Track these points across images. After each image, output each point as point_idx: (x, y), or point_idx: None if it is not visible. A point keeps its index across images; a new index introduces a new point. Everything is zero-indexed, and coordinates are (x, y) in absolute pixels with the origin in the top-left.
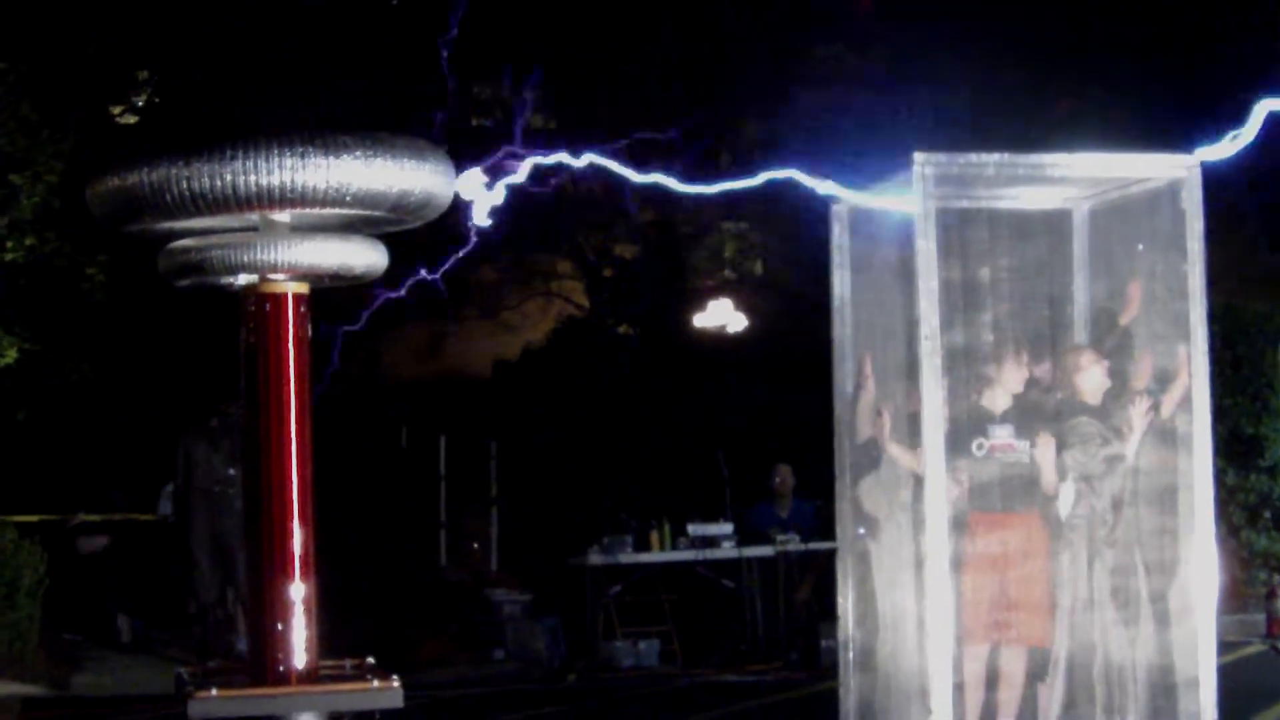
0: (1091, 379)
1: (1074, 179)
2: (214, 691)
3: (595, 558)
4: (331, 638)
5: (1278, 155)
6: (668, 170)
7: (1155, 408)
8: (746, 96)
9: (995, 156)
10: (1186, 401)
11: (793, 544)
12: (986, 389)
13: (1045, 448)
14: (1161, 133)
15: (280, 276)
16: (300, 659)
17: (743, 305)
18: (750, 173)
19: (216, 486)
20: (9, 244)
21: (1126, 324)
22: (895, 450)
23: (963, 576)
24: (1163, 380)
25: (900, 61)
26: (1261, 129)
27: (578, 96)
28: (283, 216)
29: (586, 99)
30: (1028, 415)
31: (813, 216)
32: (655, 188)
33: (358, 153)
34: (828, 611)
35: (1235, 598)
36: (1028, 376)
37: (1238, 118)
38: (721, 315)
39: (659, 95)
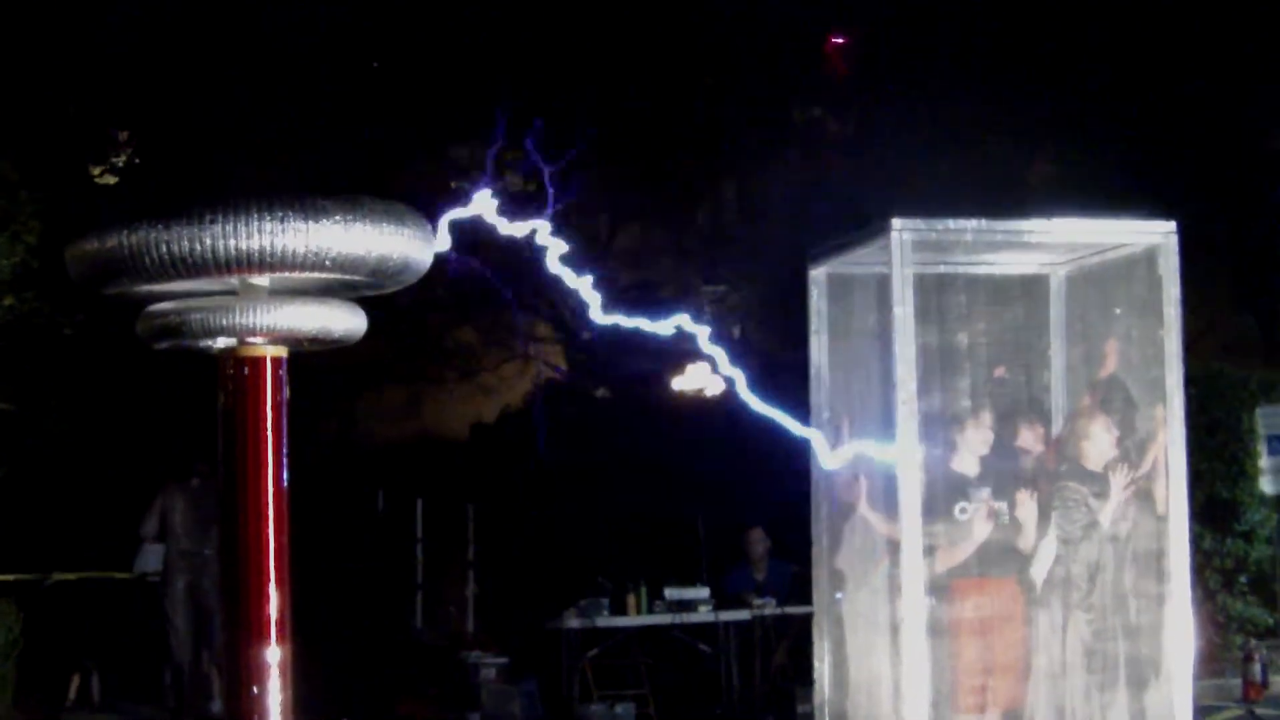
0: (1099, 445)
1: (1051, 244)
2: None
3: (572, 621)
4: (307, 700)
5: (1252, 220)
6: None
7: (1135, 481)
8: (724, 159)
9: (973, 222)
10: (1163, 466)
11: (769, 608)
12: (954, 454)
13: (1024, 505)
14: (1138, 199)
15: (258, 340)
16: None
17: (721, 369)
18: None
19: (196, 547)
20: None
21: (1106, 375)
22: (872, 517)
23: (945, 643)
24: (1139, 443)
25: (877, 125)
26: (1225, 200)
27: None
28: (261, 280)
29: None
30: (1004, 478)
31: (790, 280)
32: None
33: (337, 217)
34: (804, 676)
35: (1212, 662)
36: (991, 439)
37: (1214, 184)
38: (699, 378)
39: (637, 156)
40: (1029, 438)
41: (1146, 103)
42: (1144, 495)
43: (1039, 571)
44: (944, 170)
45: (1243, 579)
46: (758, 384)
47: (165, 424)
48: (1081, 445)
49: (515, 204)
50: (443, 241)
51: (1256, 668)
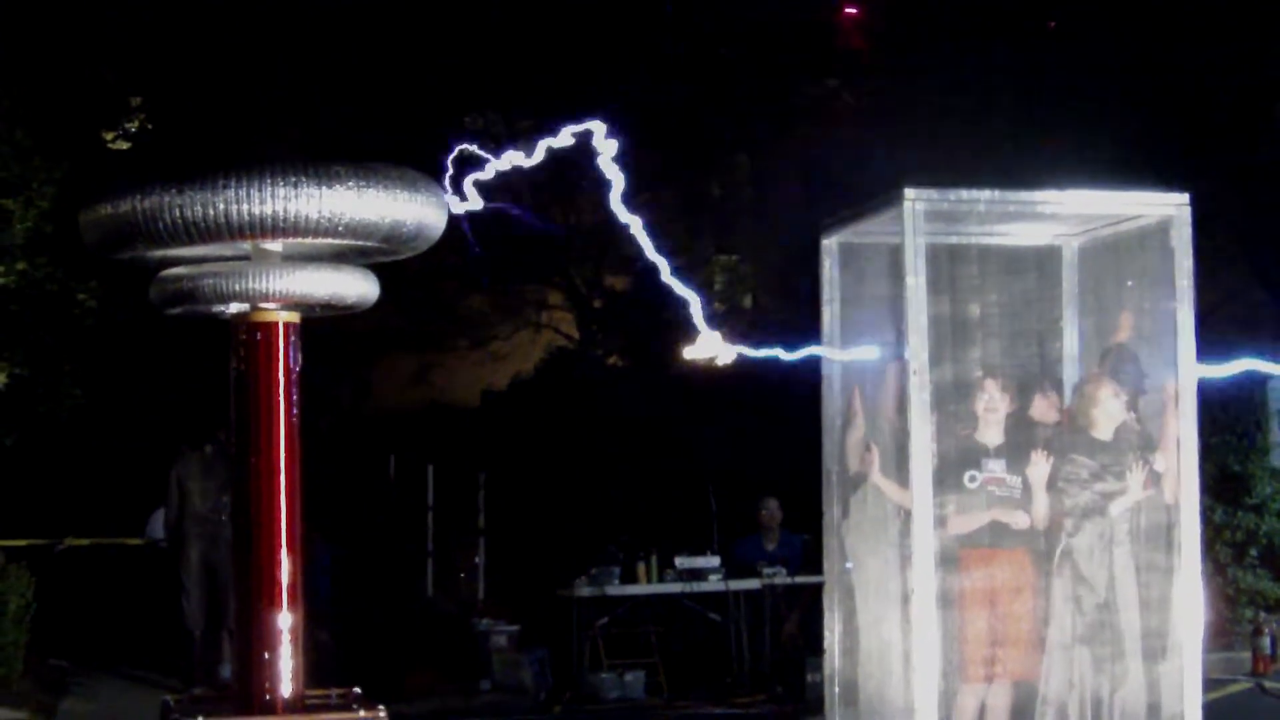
0: (1107, 412)
1: (1064, 216)
2: (200, 719)
3: (582, 589)
4: (317, 667)
5: (1269, 193)
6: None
7: (1154, 477)
8: (738, 130)
9: (986, 193)
10: (1174, 439)
11: (779, 577)
12: (980, 424)
13: (1038, 466)
14: (1153, 170)
15: (271, 305)
16: (287, 687)
17: (732, 337)
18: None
19: (210, 514)
20: (0, 269)
21: (1114, 346)
22: (884, 484)
23: (955, 613)
24: (1153, 416)
25: (892, 97)
26: (1241, 174)
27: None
28: (275, 246)
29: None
30: (1020, 450)
31: (803, 250)
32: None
33: (350, 183)
34: (814, 645)
35: (1221, 635)
36: (1005, 409)
37: (1230, 156)
38: (711, 347)
39: (651, 128)
40: (1044, 408)
41: (1163, 75)
42: (1155, 468)
43: (1049, 540)
44: (957, 141)
45: (1253, 552)
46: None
47: (179, 390)
48: (1091, 413)
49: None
50: (458, 206)
51: (1266, 641)
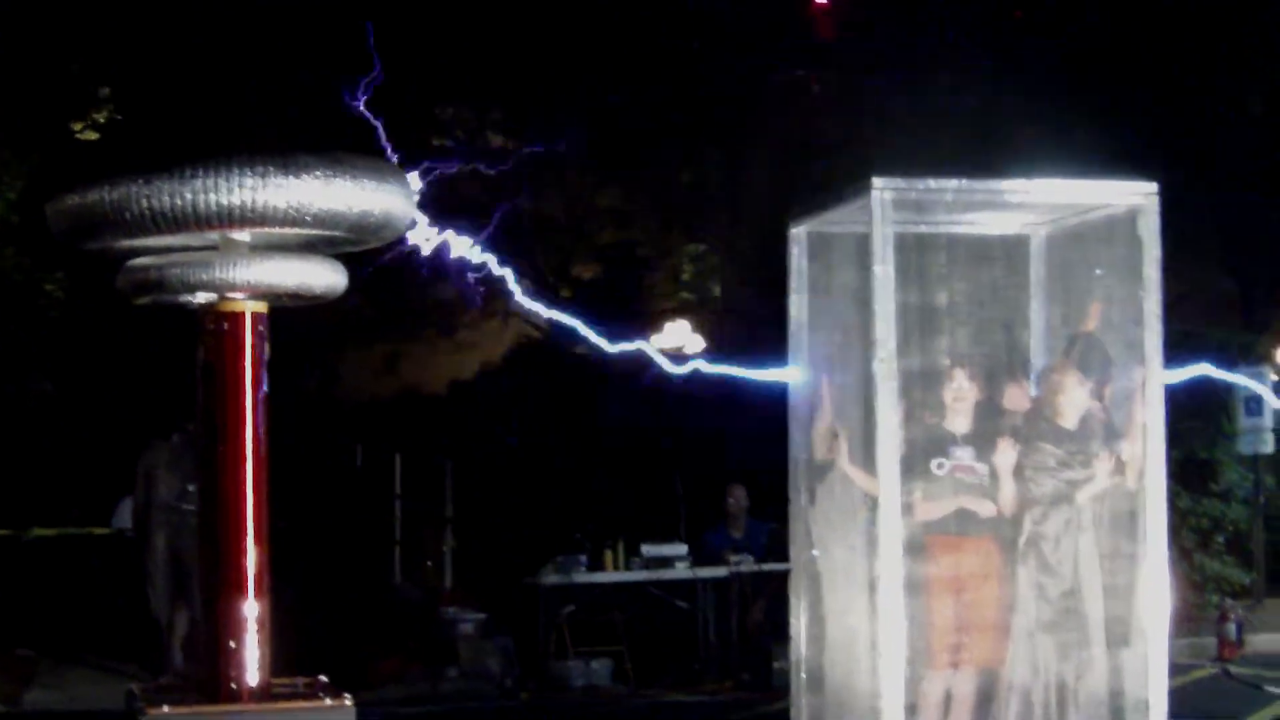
0: (1073, 401)
1: (1032, 205)
2: (166, 708)
3: (549, 577)
4: (285, 655)
5: (1236, 181)
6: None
7: (1121, 467)
8: (707, 120)
9: (954, 182)
10: (1141, 426)
11: (746, 565)
12: (948, 412)
13: (1004, 454)
14: (1121, 161)
15: (239, 295)
16: (253, 676)
17: (700, 327)
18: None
19: (177, 503)
20: None
21: (1081, 335)
22: (852, 472)
23: (921, 600)
24: (1120, 404)
25: (860, 86)
26: (1220, 156)
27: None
28: (242, 235)
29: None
30: (987, 438)
31: (771, 239)
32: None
33: (318, 173)
34: (780, 633)
35: (1187, 621)
36: (974, 397)
37: (1197, 148)
38: (679, 337)
39: (622, 117)
40: (1016, 396)
41: (1131, 65)
42: (1122, 456)
43: (1016, 527)
44: (926, 131)
45: (1219, 539)
46: (738, 342)
47: (146, 380)
48: (1057, 401)
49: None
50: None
51: (1232, 627)
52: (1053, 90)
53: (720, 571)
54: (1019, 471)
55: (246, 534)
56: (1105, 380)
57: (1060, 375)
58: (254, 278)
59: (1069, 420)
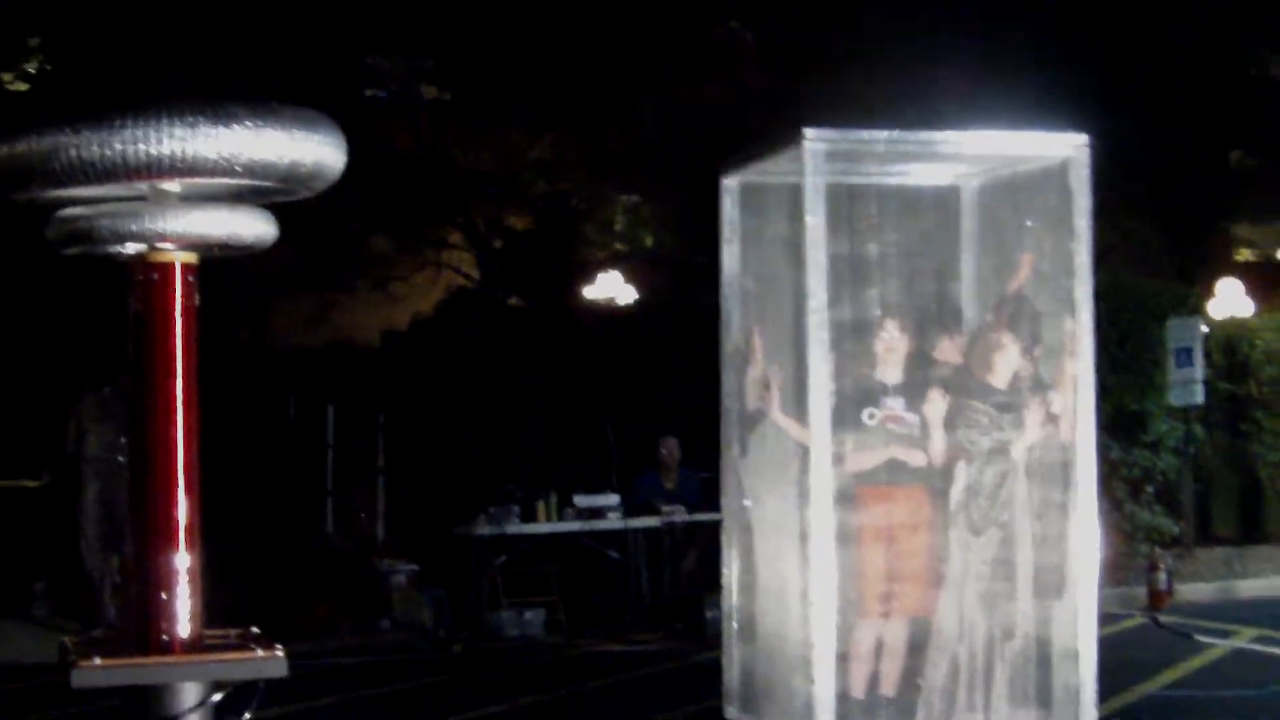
0: (1006, 360)
1: (963, 156)
2: (97, 660)
3: (482, 528)
4: (217, 607)
5: (1167, 134)
6: (561, 143)
7: (1052, 418)
8: (639, 70)
9: (885, 133)
10: (1071, 378)
11: (678, 515)
12: (879, 362)
13: (934, 404)
14: (1053, 113)
15: (168, 246)
16: (184, 628)
17: (632, 278)
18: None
19: (108, 455)
20: None
21: (1015, 289)
22: (784, 422)
23: (852, 550)
24: (1050, 355)
25: (793, 38)
26: (1151, 108)
27: (474, 70)
28: (172, 186)
29: (483, 73)
30: (918, 388)
31: (704, 190)
32: (547, 159)
33: (248, 122)
34: (712, 582)
35: (1117, 571)
36: (905, 349)
37: (1131, 99)
38: (611, 288)
39: (557, 71)
40: (949, 349)
41: (1063, 16)
42: (1052, 408)
43: (946, 478)
44: (857, 82)
45: (1149, 489)
46: (670, 293)
47: (77, 332)
48: (991, 359)
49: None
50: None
51: (1162, 576)
52: (987, 40)
53: (653, 522)
54: (950, 421)
55: (177, 485)
56: (1036, 336)
57: (996, 335)
58: (183, 228)
59: (1001, 379)
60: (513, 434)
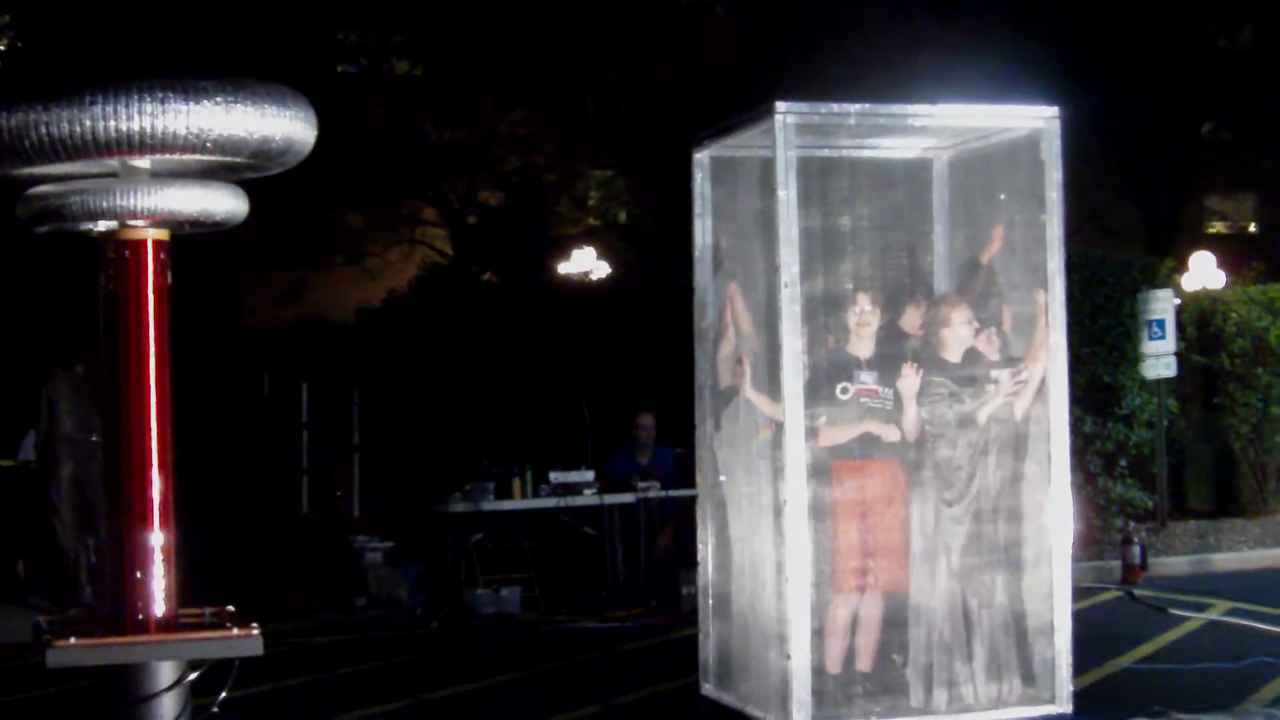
0: (957, 336)
1: (935, 129)
2: (72, 640)
3: (457, 505)
4: (191, 585)
5: (1139, 109)
6: (531, 119)
7: (1022, 383)
8: (612, 45)
9: (856, 106)
10: (1044, 351)
11: (654, 491)
12: (851, 336)
13: (907, 379)
14: (1025, 86)
15: (140, 223)
16: (159, 607)
17: (606, 253)
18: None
19: (82, 434)
20: None
21: (987, 262)
22: (756, 398)
23: (827, 524)
24: (1021, 328)
25: (765, 10)
26: (1112, 89)
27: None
28: (143, 162)
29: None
30: (892, 362)
31: (677, 164)
32: (519, 134)
33: (218, 98)
34: (688, 558)
35: (1091, 544)
36: (876, 322)
37: (1102, 74)
38: (585, 263)
39: (525, 42)
40: (915, 318)
41: None
42: (1025, 380)
43: (920, 451)
44: (830, 55)
45: (1123, 463)
46: (645, 268)
47: (49, 310)
48: (941, 333)
49: (403, 89)
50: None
51: (1135, 550)
52: (956, 13)
53: (628, 498)
54: (922, 396)
55: (151, 464)
56: (1000, 309)
57: (949, 310)
58: (155, 204)
59: (952, 354)
60: (488, 410)
